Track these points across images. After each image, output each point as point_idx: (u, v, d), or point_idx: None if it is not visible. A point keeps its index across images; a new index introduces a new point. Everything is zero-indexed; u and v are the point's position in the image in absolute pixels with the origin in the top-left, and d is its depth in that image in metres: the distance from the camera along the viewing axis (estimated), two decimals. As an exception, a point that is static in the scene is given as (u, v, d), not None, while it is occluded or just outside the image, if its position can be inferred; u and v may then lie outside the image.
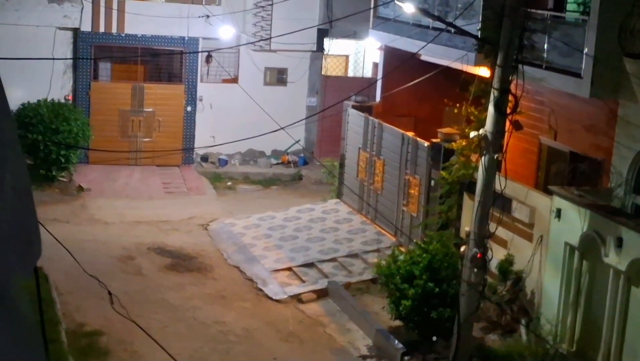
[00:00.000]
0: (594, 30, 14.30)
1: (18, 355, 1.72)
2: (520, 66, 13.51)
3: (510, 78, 13.49)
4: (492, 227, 14.15)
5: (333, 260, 19.68)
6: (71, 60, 26.48)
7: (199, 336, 16.03)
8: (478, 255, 13.96)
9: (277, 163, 28.25)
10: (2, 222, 1.77)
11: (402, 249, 17.72)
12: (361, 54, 30.36)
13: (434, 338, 15.05)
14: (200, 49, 27.15)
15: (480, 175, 14.01)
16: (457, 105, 17.67)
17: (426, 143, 19.40)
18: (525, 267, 15.46)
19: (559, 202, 14.44)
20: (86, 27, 26.26)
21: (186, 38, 27.13)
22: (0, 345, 1.67)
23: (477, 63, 17.10)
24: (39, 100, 24.94)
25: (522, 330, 15.13)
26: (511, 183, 14.62)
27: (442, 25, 17.21)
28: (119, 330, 15.32)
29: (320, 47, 28.30)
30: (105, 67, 27.54)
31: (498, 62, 13.41)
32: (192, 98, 27.66)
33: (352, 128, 23.34)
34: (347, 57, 30.35)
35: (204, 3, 27.09)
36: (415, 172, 19.84)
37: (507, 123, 13.97)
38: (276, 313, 17.36)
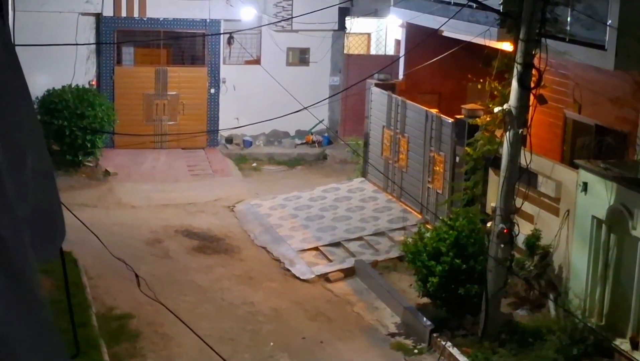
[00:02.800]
0: (618, 2, 14.17)
1: (32, 336, 1.75)
2: (543, 40, 13.45)
3: (533, 52, 13.44)
4: (518, 202, 14.13)
5: (359, 238, 19.70)
6: (94, 46, 26.57)
7: (227, 317, 16.13)
8: (505, 231, 13.96)
9: (302, 144, 28.26)
10: (23, 204, 1.80)
11: (428, 226, 17.72)
12: (383, 32, 30.27)
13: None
14: (222, 31, 27.17)
15: (505, 151, 13.98)
16: (481, 80, 17.59)
17: (450, 120, 19.35)
18: (553, 242, 15.41)
19: (585, 175, 14.38)
20: (108, 12, 26.34)
21: (208, 20, 27.15)
22: (16, 327, 1.70)
23: (499, 38, 17.00)
24: (63, 86, 25.07)
25: (551, 304, 15.12)
26: (536, 157, 14.58)
27: (463, 1, 17.13)
28: (149, 313, 15.45)
29: (341, 26, 28.22)
30: (128, 52, 27.62)
31: (521, 36, 13.36)
32: (215, 80, 27.70)
33: (375, 106, 23.30)
34: (369, 35, 30.27)
35: (224, -15, 27.08)
36: (439, 149, 19.80)
37: (531, 97, 13.92)
38: (304, 292, 17.43)
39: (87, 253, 17.12)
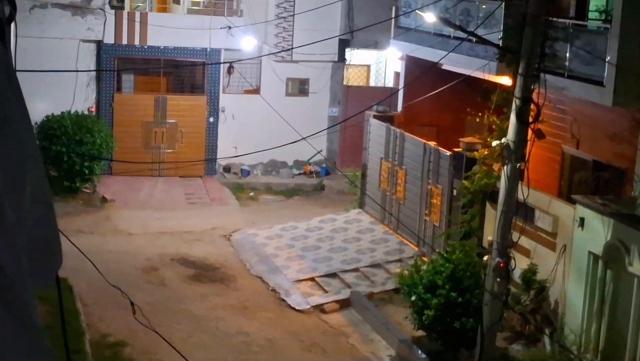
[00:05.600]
0: (617, 39, 14.25)
1: None
2: (542, 75, 13.50)
3: (532, 87, 13.47)
4: (515, 236, 14.11)
5: (356, 270, 19.66)
6: (94, 73, 26.65)
7: (222, 346, 16.05)
8: (501, 265, 13.92)
9: (299, 174, 28.27)
10: (21, 231, 1.80)
11: (425, 259, 17.69)
12: (382, 64, 30.38)
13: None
14: (222, 60, 27.25)
15: (502, 185, 13.98)
16: (479, 114, 17.65)
17: (448, 153, 19.37)
18: (549, 277, 15.39)
19: (582, 210, 14.38)
20: (109, 39, 26.44)
21: (208, 49, 27.24)
22: (14, 354, 1.70)
23: (498, 72, 17.07)
24: (62, 112, 25.11)
25: (546, 339, 15.06)
26: (534, 192, 14.58)
27: (463, 35, 17.20)
28: (143, 341, 15.37)
29: (341, 57, 28.33)
30: (128, 79, 27.69)
31: (520, 70, 13.40)
32: (214, 109, 27.76)
33: (374, 138, 23.34)
34: (368, 67, 30.38)
35: (226, 14, 27.21)
36: (437, 182, 19.81)
37: (530, 132, 13.94)
38: (299, 323, 17.36)
39: (82, 279, 17.06)
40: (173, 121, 27.38)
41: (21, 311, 1.71)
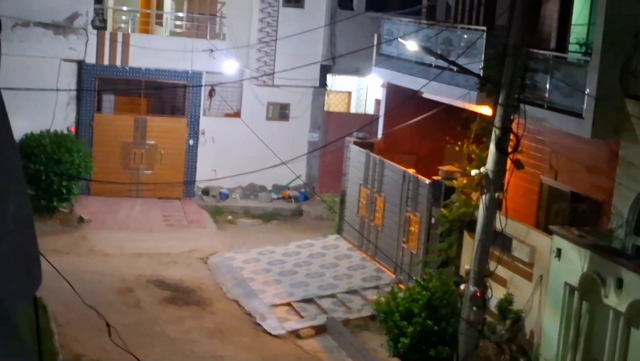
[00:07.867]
0: (596, 71, 14.38)
1: None
2: (522, 105, 13.59)
3: (511, 117, 13.56)
4: (492, 265, 14.15)
5: (332, 296, 19.63)
6: (75, 92, 26.57)
7: (196, 370, 15.95)
8: (477, 294, 13.94)
9: (278, 198, 28.25)
10: (3, 250, 1.78)
11: (402, 286, 17.69)
12: (364, 91, 30.47)
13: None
14: (203, 83, 27.26)
15: (480, 214, 14.02)
16: (459, 143, 17.72)
17: (427, 181, 19.43)
18: (525, 307, 15.41)
19: (559, 241, 14.43)
20: (91, 59, 26.38)
21: (190, 72, 27.25)
22: None
23: (479, 101, 17.17)
24: (42, 131, 25.00)
25: (521, 369, 15.06)
26: (511, 222, 14.63)
27: (444, 64, 17.31)
28: (116, 363, 15.26)
29: (323, 83, 28.41)
30: (108, 99, 27.63)
31: (500, 100, 13.48)
32: (194, 131, 27.73)
33: (353, 164, 23.38)
34: (349, 93, 30.47)
35: (208, 37, 27.24)
36: (415, 209, 19.84)
37: (508, 162, 14.01)
38: (274, 348, 17.29)
39: (57, 299, 16.92)
40: (153, 142, 27.33)
41: (10, 331, 1.70)
